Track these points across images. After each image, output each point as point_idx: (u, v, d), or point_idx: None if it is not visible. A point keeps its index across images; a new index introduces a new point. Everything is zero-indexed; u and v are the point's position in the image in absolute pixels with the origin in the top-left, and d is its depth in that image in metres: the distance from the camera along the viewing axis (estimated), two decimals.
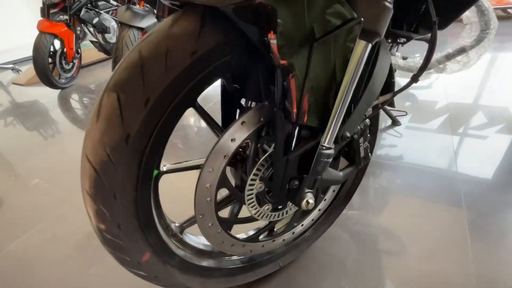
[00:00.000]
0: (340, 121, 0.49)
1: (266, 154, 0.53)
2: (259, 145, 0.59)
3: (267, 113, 0.49)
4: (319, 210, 0.74)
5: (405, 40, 0.84)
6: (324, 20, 0.39)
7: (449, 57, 0.92)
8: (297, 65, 0.41)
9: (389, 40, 0.87)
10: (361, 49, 0.44)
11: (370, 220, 0.99)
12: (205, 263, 0.64)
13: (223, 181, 0.51)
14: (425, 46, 0.65)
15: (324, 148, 0.49)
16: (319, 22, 0.39)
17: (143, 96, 0.38)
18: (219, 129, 0.53)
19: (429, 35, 0.59)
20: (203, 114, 0.50)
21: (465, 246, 0.86)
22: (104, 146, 0.39)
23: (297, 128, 0.47)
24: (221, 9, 0.38)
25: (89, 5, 2.80)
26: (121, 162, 0.40)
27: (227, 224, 0.59)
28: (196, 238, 0.64)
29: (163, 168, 0.52)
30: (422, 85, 1.87)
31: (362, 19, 0.40)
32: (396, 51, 1.01)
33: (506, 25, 2.74)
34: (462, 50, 0.88)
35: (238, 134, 0.48)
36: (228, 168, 0.66)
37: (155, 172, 0.48)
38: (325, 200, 0.73)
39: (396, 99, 1.67)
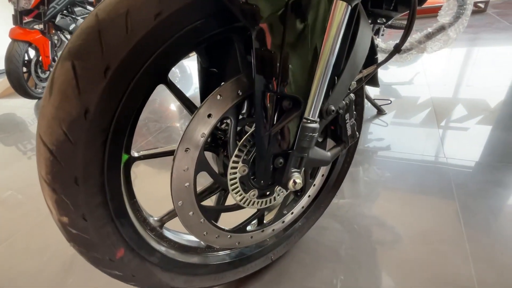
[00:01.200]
0: (323, 92, 0.46)
1: (248, 133, 0.49)
2: (240, 127, 0.56)
3: (245, 86, 0.45)
4: (309, 196, 0.71)
5: (384, 20, 0.84)
6: None
7: (429, 36, 0.93)
8: (273, 27, 0.38)
9: (370, 21, 0.86)
10: (340, 11, 0.41)
11: (362, 208, 0.96)
12: (190, 259, 0.59)
13: (202, 164, 0.47)
14: None
15: (308, 121, 0.46)
16: None
17: (101, 64, 0.34)
18: (194, 108, 0.49)
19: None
20: (176, 91, 0.46)
21: (458, 227, 0.85)
22: (59, 123, 0.35)
23: (279, 100, 0.44)
24: None
25: (65, 11, 2.72)
26: (80, 141, 0.36)
27: (211, 214, 0.55)
28: (179, 233, 0.59)
29: (135, 153, 0.47)
30: (404, 81, 1.90)
31: None
32: (378, 37, 1.01)
33: (478, 18, 2.86)
34: (441, 29, 0.89)
35: (215, 110, 0.44)
36: (210, 156, 0.63)
37: (125, 156, 0.44)
38: (314, 185, 0.70)
39: (380, 91, 1.68)
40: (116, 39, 0.34)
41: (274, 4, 0.36)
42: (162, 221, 0.55)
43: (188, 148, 0.44)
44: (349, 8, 0.42)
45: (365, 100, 1.48)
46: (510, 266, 0.72)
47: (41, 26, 2.55)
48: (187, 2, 0.37)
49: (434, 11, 1.29)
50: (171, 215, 0.55)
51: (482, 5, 3.01)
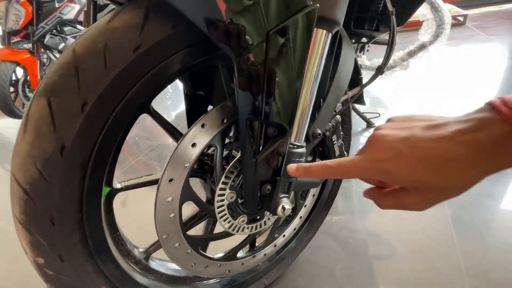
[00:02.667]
0: (309, 117, 0.46)
1: (234, 160, 0.48)
2: (227, 152, 0.55)
3: (230, 112, 0.45)
4: (300, 217, 0.69)
5: (367, 40, 0.86)
6: (278, 7, 0.37)
7: (411, 54, 0.96)
8: (255, 56, 0.38)
9: (353, 40, 0.88)
10: (321, 39, 0.42)
11: (356, 224, 0.95)
12: None
13: (187, 194, 0.45)
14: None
15: (294, 146, 0.46)
16: (273, 10, 0.36)
17: (79, 99, 0.33)
18: (179, 135, 0.48)
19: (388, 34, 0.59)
20: (160, 120, 0.45)
21: (451, 241, 0.84)
22: (33, 161, 0.33)
23: (264, 126, 0.43)
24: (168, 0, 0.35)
25: (54, 30, 2.72)
26: (56, 179, 0.34)
27: (199, 243, 0.53)
28: (166, 263, 0.57)
29: (117, 184, 0.45)
30: (392, 93, 1.94)
31: (318, 5, 0.38)
32: (363, 54, 1.04)
33: (457, 30, 2.99)
34: (422, 46, 0.92)
35: (199, 139, 0.43)
36: (199, 182, 0.61)
37: (106, 189, 0.42)
38: (305, 206, 0.69)
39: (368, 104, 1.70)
40: (93, 74, 0.33)
41: (255, 33, 0.37)
42: (148, 252, 0.53)
43: (172, 179, 0.43)
44: (330, 35, 0.42)
45: (354, 113, 1.50)
46: (505, 280, 0.72)
47: (30, 45, 2.55)
48: (168, 34, 0.36)
49: (416, 25, 1.34)
50: (157, 245, 0.53)
51: (461, 18, 3.15)
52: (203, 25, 0.35)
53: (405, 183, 0.27)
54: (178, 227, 0.46)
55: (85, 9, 2.48)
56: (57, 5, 2.73)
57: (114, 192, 0.44)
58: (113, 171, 0.43)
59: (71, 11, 2.81)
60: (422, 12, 0.89)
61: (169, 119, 2.06)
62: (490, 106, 0.24)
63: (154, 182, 0.48)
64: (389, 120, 0.30)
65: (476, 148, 0.23)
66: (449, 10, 0.90)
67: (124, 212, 1.15)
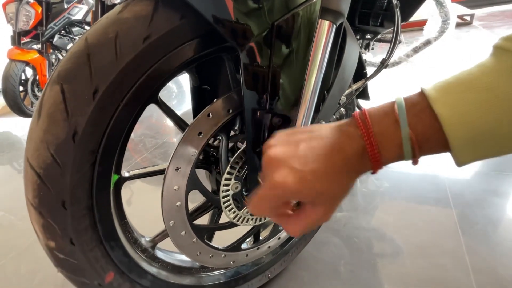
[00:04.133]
0: (313, 108, 0.47)
1: (240, 150, 0.49)
2: (233, 143, 0.56)
3: (236, 103, 0.46)
4: None
5: (372, 36, 0.87)
6: (281, 5, 0.37)
7: (416, 50, 0.96)
8: (260, 47, 0.39)
9: (357, 37, 0.89)
10: (325, 30, 0.42)
11: (360, 220, 0.95)
12: (183, 281, 0.57)
13: (193, 183, 0.46)
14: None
15: None
16: (277, 1, 0.37)
17: (90, 86, 0.35)
18: (186, 126, 0.49)
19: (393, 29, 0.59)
20: (167, 110, 0.47)
21: (457, 238, 0.84)
22: (47, 146, 0.34)
23: (269, 117, 0.44)
24: None
25: (62, 31, 2.77)
26: (68, 164, 0.35)
27: (204, 232, 0.54)
28: (172, 253, 0.58)
29: (125, 173, 0.46)
30: (396, 90, 1.93)
31: None
32: (368, 51, 1.04)
33: (464, 30, 2.96)
34: (427, 43, 0.92)
35: (205, 128, 0.44)
36: (204, 173, 0.62)
37: (115, 177, 0.43)
38: None
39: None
40: (105, 62, 0.35)
41: (261, 25, 0.38)
42: (154, 241, 0.54)
43: (178, 167, 0.44)
44: (334, 27, 0.43)
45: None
46: (511, 277, 0.71)
47: (39, 46, 2.60)
48: (176, 25, 0.38)
49: (420, 24, 1.33)
50: (163, 235, 0.54)
51: (468, 18, 3.11)
52: (214, 19, 0.36)
53: (308, 199, 0.28)
54: (184, 216, 0.47)
55: (93, 9, 2.52)
56: (65, 6, 2.79)
57: (122, 180, 0.45)
58: (122, 160, 0.44)
59: (79, 12, 2.86)
60: (427, 8, 0.89)
61: (169, 122, 2.07)
62: (355, 120, 0.28)
63: (161, 172, 0.49)
64: (273, 137, 0.31)
65: (344, 160, 0.27)
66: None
67: (130, 203, 1.17)
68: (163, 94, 2.57)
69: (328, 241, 0.89)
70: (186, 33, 0.39)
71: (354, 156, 0.27)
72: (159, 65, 0.38)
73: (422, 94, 0.26)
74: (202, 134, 0.44)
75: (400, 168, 1.19)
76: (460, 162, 0.27)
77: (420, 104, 0.25)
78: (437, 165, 1.16)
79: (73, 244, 0.39)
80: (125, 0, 0.38)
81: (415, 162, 0.27)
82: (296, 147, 0.28)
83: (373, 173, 0.28)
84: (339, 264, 0.81)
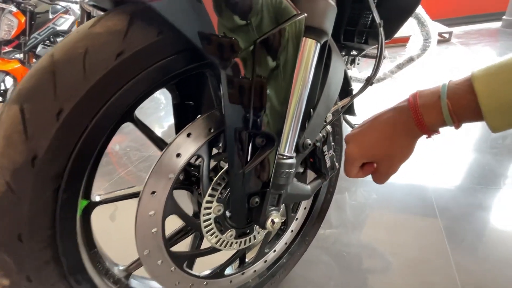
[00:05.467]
0: (298, 127, 0.45)
1: (222, 171, 0.46)
2: (216, 162, 0.53)
3: (218, 121, 0.43)
4: (292, 231, 0.67)
5: (357, 52, 0.88)
6: (266, 16, 0.36)
7: (400, 66, 0.98)
8: (242, 65, 0.37)
9: (343, 53, 0.90)
10: (310, 48, 0.41)
11: (350, 237, 0.93)
12: None
13: (171, 207, 0.43)
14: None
15: (283, 157, 0.44)
16: (260, 18, 0.36)
17: (54, 106, 0.31)
18: (164, 144, 0.46)
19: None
20: (144, 129, 0.44)
21: (445, 254, 0.83)
22: (2, 172, 0.31)
23: (252, 136, 0.42)
24: (153, 6, 0.34)
25: (47, 41, 2.71)
26: (26, 192, 0.32)
27: (184, 260, 0.50)
28: (148, 281, 0.53)
29: (96, 197, 0.43)
30: (384, 103, 1.97)
31: (306, 14, 0.38)
32: (353, 67, 1.06)
33: (443, 46, 3.10)
34: (411, 60, 0.94)
35: (184, 148, 0.41)
36: (186, 194, 0.59)
37: (83, 203, 0.40)
38: (297, 219, 0.67)
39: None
40: (71, 80, 0.32)
41: (246, 41, 0.36)
42: (129, 270, 0.49)
43: (154, 191, 0.40)
44: (318, 45, 0.42)
45: (346, 125, 1.50)
46: None
47: (21, 55, 2.52)
48: (153, 41, 0.35)
49: (404, 41, 1.38)
50: (139, 263, 0.49)
51: (446, 35, 3.28)
52: (193, 35, 0.34)
53: (370, 159, 0.47)
54: (160, 243, 0.44)
55: (78, 20, 2.48)
56: (51, 16, 2.74)
57: (92, 205, 0.41)
58: (92, 183, 0.40)
59: (65, 22, 2.82)
60: (409, 27, 0.92)
61: (161, 130, 2.04)
62: (408, 96, 0.42)
63: (136, 194, 0.45)
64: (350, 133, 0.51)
65: (396, 128, 0.43)
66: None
67: (107, 226, 1.10)
68: (150, 106, 2.52)
69: (317, 260, 0.86)
70: (164, 50, 0.37)
71: (404, 123, 0.41)
72: (133, 82, 0.36)
73: (468, 76, 0.35)
74: (180, 156, 0.41)
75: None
76: (493, 128, 0.34)
77: (462, 83, 0.36)
78: (423, 178, 1.17)
79: (30, 281, 0.35)
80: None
81: (456, 127, 0.37)
82: (360, 128, 0.48)
83: (428, 137, 0.41)
84: (329, 285, 0.78)
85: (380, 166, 0.46)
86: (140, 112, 0.41)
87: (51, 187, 0.33)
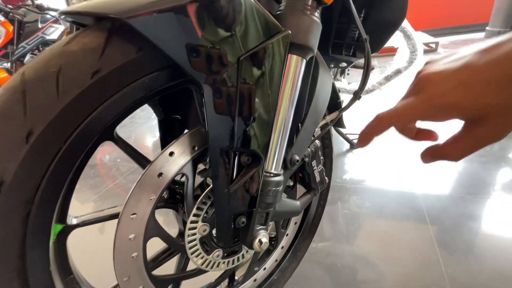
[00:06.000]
0: (285, 143, 0.44)
1: (207, 189, 0.45)
2: (202, 179, 0.51)
3: (203, 139, 0.42)
4: (282, 247, 0.65)
5: (346, 64, 0.88)
6: (250, 33, 0.35)
7: (388, 78, 0.99)
8: (226, 82, 0.36)
9: (332, 65, 0.90)
10: (295, 65, 0.41)
11: (342, 250, 0.92)
12: None
13: (153, 229, 0.41)
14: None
15: (270, 175, 0.43)
16: (244, 32, 0.35)
17: (23, 128, 0.30)
18: (147, 162, 0.44)
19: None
20: (125, 147, 0.42)
21: (438, 266, 0.82)
22: None
23: (237, 155, 0.41)
24: (131, 23, 0.33)
25: (36, 50, 2.67)
26: None
27: (168, 284, 0.47)
28: None
29: (73, 220, 0.40)
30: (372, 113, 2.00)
31: (290, 31, 0.37)
32: (343, 77, 1.06)
33: (430, 56, 3.19)
34: (398, 72, 0.96)
35: (166, 168, 0.40)
36: (172, 213, 0.57)
37: (57, 227, 0.37)
38: (287, 235, 0.65)
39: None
40: (43, 100, 0.30)
41: (226, 59, 0.35)
42: None
43: (134, 213, 0.38)
44: (304, 61, 0.42)
45: (337, 135, 1.51)
46: None
47: (9, 65, 2.48)
48: (131, 58, 0.34)
49: (393, 50, 1.41)
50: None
51: (433, 45, 3.38)
52: (174, 52, 0.33)
53: (474, 112, 0.26)
54: (141, 267, 0.41)
55: (67, 30, 2.46)
56: (40, 25, 2.71)
57: (68, 229, 0.39)
58: (68, 206, 0.38)
59: (55, 32, 2.79)
60: (396, 40, 0.93)
61: (153, 139, 1.99)
62: None
63: (116, 216, 0.43)
64: (428, 63, 0.29)
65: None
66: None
67: (86, 249, 1.04)
68: (141, 116, 2.49)
69: (310, 275, 0.84)
70: (143, 67, 0.35)
71: None
72: (111, 101, 0.34)
73: None
74: (162, 175, 0.39)
75: (378, 185, 1.19)
76: None
77: None
78: (414, 187, 1.17)
79: None
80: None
81: None
82: (462, 61, 0.26)
83: None
84: None
85: (489, 123, 0.26)
86: (132, 122, 0.39)
87: (20, 214, 0.31)
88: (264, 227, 0.46)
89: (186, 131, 0.51)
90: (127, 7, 0.31)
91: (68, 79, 0.31)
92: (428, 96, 0.26)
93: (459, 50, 0.28)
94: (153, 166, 0.39)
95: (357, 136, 1.57)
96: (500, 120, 0.26)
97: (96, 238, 1.09)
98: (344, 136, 1.44)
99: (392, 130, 0.30)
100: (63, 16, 0.35)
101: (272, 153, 0.42)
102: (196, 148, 0.42)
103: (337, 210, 1.11)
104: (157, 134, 2.18)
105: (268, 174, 0.42)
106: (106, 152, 1.91)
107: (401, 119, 0.28)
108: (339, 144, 1.56)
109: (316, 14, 0.40)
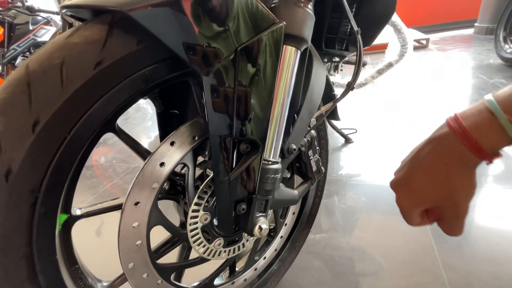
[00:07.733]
0: (282, 132, 0.45)
1: (208, 179, 0.46)
2: (202, 170, 0.53)
3: (202, 129, 0.43)
4: (281, 237, 0.67)
5: (339, 59, 0.90)
6: (246, 24, 0.37)
7: (380, 72, 1.02)
8: (224, 72, 0.37)
9: (325, 60, 0.92)
10: (290, 56, 0.42)
11: (340, 241, 0.94)
12: None
13: (156, 218, 0.42)
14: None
15: (269, 162, 0.44)
16: (238, 25, 0.36)
17: (29, 118, 0.30)
18: (148, 154, 0.46)
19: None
20: (126, 138, 0.43)
21: (432, 254, 0.84)
22: None
23: (236, 143, 0.42)
24: (132, 16, 0.34)
25: (27, 52, 2.64)
26: None
27: (171, 272, 0.49)
28: None
29: (77, 211, 0.41)
30: (367, 108, 2.03)
31: (284, 22, 0.39)
32: (337, 73, 1.09)
33: (421, 52, 3.24)
34: (390, 65, 0.99)
35: (167, 157, 0.41)
36: (172, 204, 0.58)
37: (63, 217, 0.38)
38: (286, 225, 0.67)
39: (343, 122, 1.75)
40: (48, 91, 0.31)
41: (225, 49, 0.36)
42: (114, 285, 0.47)
43: (138, 202, 0.39)
44: (299, 52, 0.43)
45: (333, 130, 1.53)
46: None
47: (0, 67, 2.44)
48: (133, 50, 0.35)
49: (384, 47, 1.44)
50: (123, 278, 0.48)
51: (424, 42, 3.43)
52: (174, 44, 0.34)
53: (432, 205, 0.35)
54: (145, 255, 0.42)
55: (60, 31, 2.44)
56: (31, 27, 2.68)
57: (73, 219, 0.40)
58: (72, 196, 0.39)
59: (46, 34, 2.76)
60: (386, 34, 0.96)
61: (148, 140, 1.99)
62: (446, 122, 0.34)
63: (119, 206, 0.44)
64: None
65: (440, 160, 0.33)
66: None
67: (90, 240, 1.06)
68: (136, 116, 2.47)
69: (309, 266, 0.86)
70: (144, 59, 0.36)
71: (455, 154, 0.32)
72: (113, 92, 0.35)
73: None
74: (164, 165, 0.40)
75: (373, 185, 1.21)
76: None
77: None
78: None
79: None
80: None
81: None
82: (401, 171, 0.38)
83: (488, 163, 0.31)
84: None
85: (445, 211, 0.34)
86: (127, 123, 0.40)
87: (27, 202, 0.32)
88: (264, 214, 0.47)
89: (180, 126, 0.52)
90: (128, 0, 0.32)
91: (71, 70, 0.32)
92: (400, 205, 0.38)
93: (405, 158, 0.39)
94: (155, 156, 0.40)
95: (352, 131, 1.59)
96: (451, 206, 0.34)
97: (97, 233, 1.09)
98: (339, 131, 1.46)
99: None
100: (64, 10, 0.35)
101: (270, 142, 0.43)
102: (196, 138, 0.43)
103: (334, 203, 1.13)
104: (153, 135, 2.18)
105: (266, 162, 0.44)
106: (102, 154, 1.90)
107: (409, 223, 0.39)
108: (334, 139, 1.58)
109: (309, 6, 0.41)
